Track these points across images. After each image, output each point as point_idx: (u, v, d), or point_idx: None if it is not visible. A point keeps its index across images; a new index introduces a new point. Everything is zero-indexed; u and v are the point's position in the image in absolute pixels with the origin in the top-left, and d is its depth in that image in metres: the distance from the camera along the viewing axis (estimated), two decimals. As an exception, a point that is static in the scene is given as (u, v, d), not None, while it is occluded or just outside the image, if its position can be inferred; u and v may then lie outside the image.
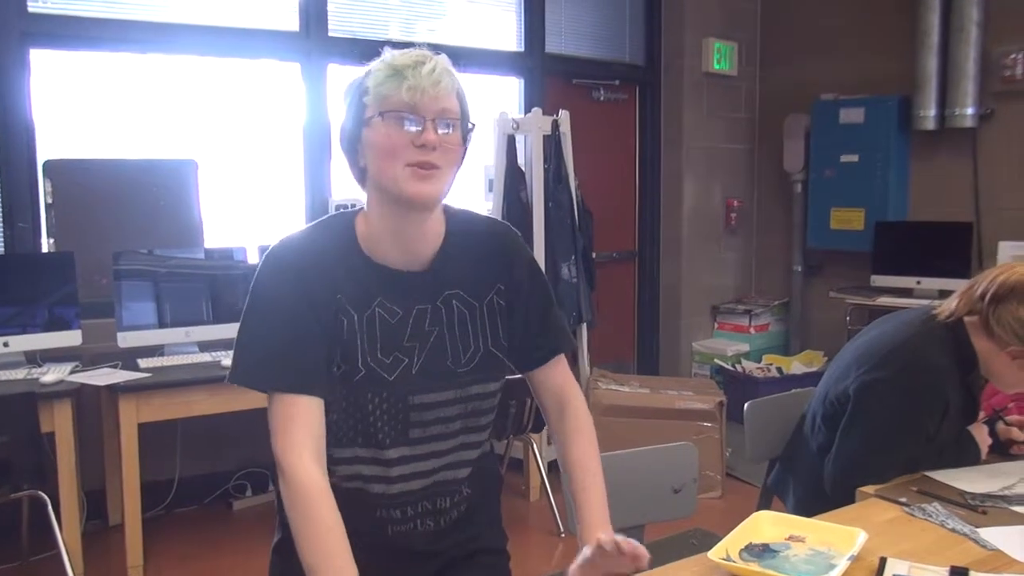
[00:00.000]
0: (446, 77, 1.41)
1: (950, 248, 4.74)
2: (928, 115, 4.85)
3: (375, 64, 1.43)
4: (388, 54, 1.43)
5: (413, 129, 1.39)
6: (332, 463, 1.48)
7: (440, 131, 1.40)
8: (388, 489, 1.52)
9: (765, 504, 2.46)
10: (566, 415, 1.71)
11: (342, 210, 1.58)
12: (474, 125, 1.50)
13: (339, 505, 1.41)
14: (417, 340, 1.50)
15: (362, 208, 1.53)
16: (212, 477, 4.10)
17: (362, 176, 1.49)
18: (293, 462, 1.40)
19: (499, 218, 4.11)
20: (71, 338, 3.50)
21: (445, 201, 1.53)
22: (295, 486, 1.39)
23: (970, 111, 4.73)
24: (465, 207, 1.64)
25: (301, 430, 1.41)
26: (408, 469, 1.52)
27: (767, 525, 1.66)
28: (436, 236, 1.53)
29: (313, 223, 1.54)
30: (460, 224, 1.57)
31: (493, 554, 1.72)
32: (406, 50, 1.43)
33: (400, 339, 1.49)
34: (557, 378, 1.69)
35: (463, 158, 1.49)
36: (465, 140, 1.48)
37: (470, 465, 1.61)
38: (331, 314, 1.45)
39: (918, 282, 4.78)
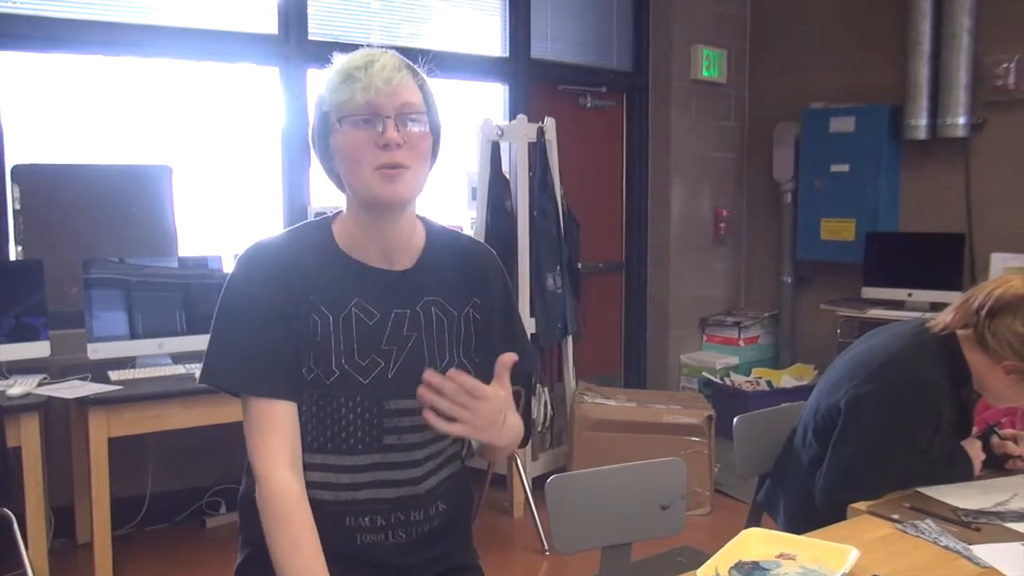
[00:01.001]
0: (399, 72, 1.41)
1: (942, 259, 4.70)
2: (919, 124, 4.82)
3: (326, 71, 1.45)
4: (337, 59, 1.45)
5: (374, 130, 1.40)
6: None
7: (403, 127, 1.41)
8: (356, 495, 1.50)
9: (755, 521, 2.42)
10: None
11: (320, 217, 1.61)
12: (438, 125, 1.49)
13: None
14: (395, 344, 1.50)
15: (340, 212, 1.55)
16: (185, 493, 4.01)
17: (339, 181, 1.50)
18: (268, 469, 1.42)
19: (484, 226, 4.07)
20: (39, 349, 3.42)
21: (425, 215, 1.59)
22: (270, 494, 1.41)
23: (962, 120, 4.71)
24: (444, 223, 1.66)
25: (276, 436, 1.43)
26: (381, 476, 1.51)
27: (757, 542, 1.64)
28: (414, 237, 1.56)
29: (290, 228, 1.57)
30: (440, 236, 1.61)
31: (468, 571, 1.70)
32: (355, 52, 1.45)
33: (378, 342, 1.49)
34: None
35: (435, 152, 1.50)
36: (435, 133, 1.47)
37: (444, 478, 1.60)
38: (303, 316, 1.46)
39: (909, 294, 4.73)
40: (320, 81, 1.47)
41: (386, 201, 1.42)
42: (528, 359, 1.70)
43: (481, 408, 1.40)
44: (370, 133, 1.40)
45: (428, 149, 1.46)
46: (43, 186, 3.64)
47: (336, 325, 1.47)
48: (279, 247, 1.51)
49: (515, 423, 1.53)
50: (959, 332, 2.02)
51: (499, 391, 1.43)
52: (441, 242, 1.60)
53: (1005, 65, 4.59)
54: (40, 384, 3.27)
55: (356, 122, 1.40)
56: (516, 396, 1.62)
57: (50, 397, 3.15)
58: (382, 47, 1.46)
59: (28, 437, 3.08)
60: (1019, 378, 1.96)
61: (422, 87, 1.46)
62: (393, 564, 1.54)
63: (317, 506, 1.47)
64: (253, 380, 1.44)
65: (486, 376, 1.55)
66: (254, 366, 1.44)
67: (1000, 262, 4.38)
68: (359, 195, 1.45)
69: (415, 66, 1.49)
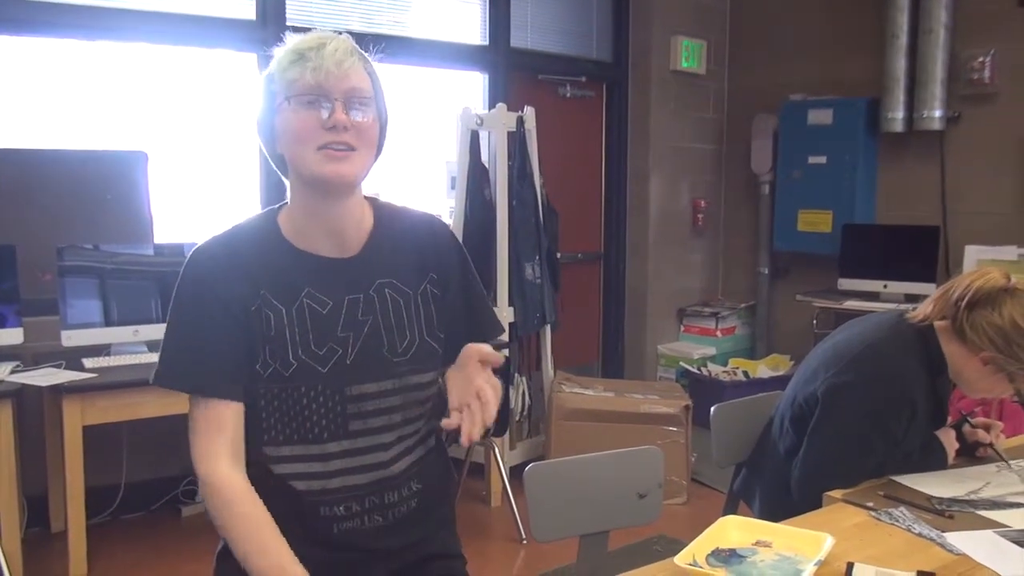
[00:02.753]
0: (350, 57, 1.41)
1: (917, 252, 4.74)
2: (896, 117, 4.85)
3: (278, 50, 1.44)
4: (290, 39, 1.46)
5: (322, 111, 1.39)
6: (270, 463, 1.49)
7: (352, 111, 1.41)
8: (327, 484, 1.50)
9: (731, 509, 2.43)
10: None
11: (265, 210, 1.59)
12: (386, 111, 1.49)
13: (281, 505, 1.44)
14: (351, 330, 1.50)
15: (285, 203, 1.54)
16: (160, 482, 3.97)
17: (282, 163, 1.49)
18: (211, 468, 1.43)
19: (462, 215, 4.06)
20: (12, 336, 3.37)
21: (375, 195, 1.58)
22: (215, 491, 1.43)
23: (938, 114, 4.74)
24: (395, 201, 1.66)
25: (217, 435, 1.44)
26: (351, 463, 1.51)
27: (734, 530, 1.65)
28: (362, 221, 1.54)
29: (238, 222, 1.55)
30: (388, 215, 1.59)
31: (449, 559, 1.70)
32: (308, 33, 1.44)
33: (333, 329, 1.49)
34: None
35: (382, 141, 1.50)
36: (381, 121, 1.48)
37: (417, 459, 1.60)
38: (253, 312, 1.45)
39: (885, 286, 4.77)
40: (271, 60, 1.45)
41: (330, 180, 1.41)
42: (492, 325, 1.71)
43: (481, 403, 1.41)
44: (317, 114, 1.39)
45: (374, 136, 1.46)
46: (16, 171, 3.58)
47: (290, 317, 1.47)
48: (225, 245, 1.50)
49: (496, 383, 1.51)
50: (936, 323, 2.04)
51: (475, 378, 1.44)
52: (391, 222, 1.58)
53: (980, 59, 4.63)
54: (13, 372, 3.22)
55: (303, 102, 1.39)
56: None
57: (23, 385, 3.11)
58: (336, 31, 1.46)
59: (1, 425, 3.04)
60: (995, 369, 1.98)
61: (371, 75, 1.46)
62: (374, 548, 1.54)
63: (293, 497, 1.48)
64: (202, 381, 1.44)
65: (452, 350, 1.58)
66: (203, 367, 1.44)
67: (974, 255, 4.42)
68: (303, 176, 1.43)
69: (366, 54, 1.48)
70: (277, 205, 1.55)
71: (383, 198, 1.63)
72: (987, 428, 2.21)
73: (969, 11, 4.67)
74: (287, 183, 1.50)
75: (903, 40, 4.79)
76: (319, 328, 1.48)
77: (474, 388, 1.42)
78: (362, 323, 1.50)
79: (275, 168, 1.52)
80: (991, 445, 2.17)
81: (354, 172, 1.43)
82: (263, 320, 1.46)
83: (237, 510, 1.42)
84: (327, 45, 1.40)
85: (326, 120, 1.39)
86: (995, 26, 4.61)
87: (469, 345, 1.52)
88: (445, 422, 1.41)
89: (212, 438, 1.44)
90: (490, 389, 1.42)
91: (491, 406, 1.40)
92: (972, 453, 2.19)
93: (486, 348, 1.48)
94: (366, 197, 1.57)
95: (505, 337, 3.87)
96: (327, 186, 1.43)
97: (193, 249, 1.50)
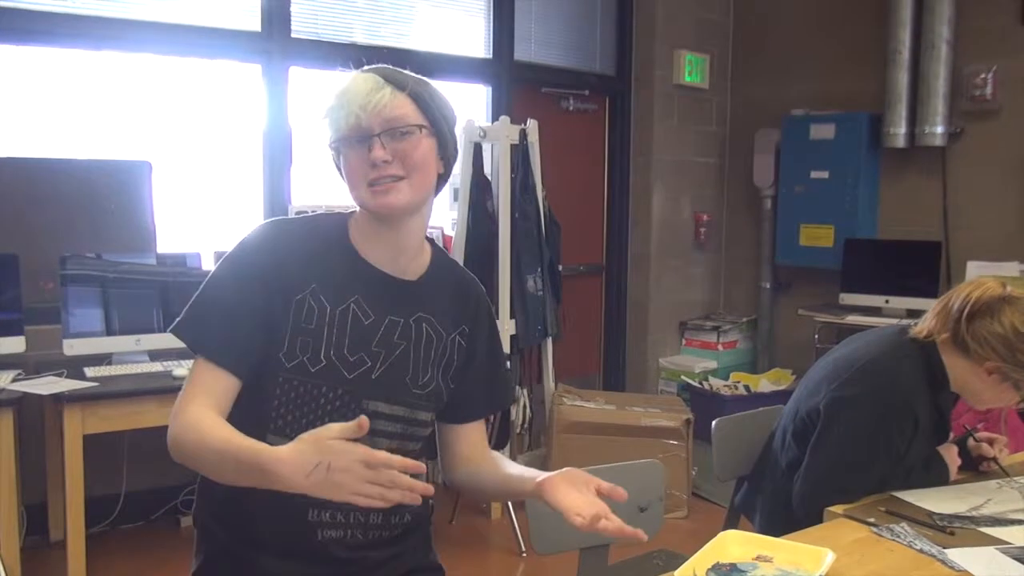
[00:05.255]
0: (376, 92, 1.43)
1: (919, 267, 4.74)
2: (898, 133, 4.86)
3: (325, 93, 1.49)
4: (327, 86, 1.49)
5: (365, 149, 1.44)
6: None
7: (392, 143, 1.44)
8: None
9: (732, 524, 2.43)
10: (487, 456, 1.74)
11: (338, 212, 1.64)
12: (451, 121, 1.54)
13: (270, 505, 1.41)
14: (384, 348, 1.53)
15: (357, 210, 1.58)
16: (160, 492, 3.96)
17: None
18: (190, 409, 1.41)
19: (465, 227, 4.07)
20: (14, 344, 3.37)
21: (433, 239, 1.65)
22: (184, 421, 1.40)
23: (940, 130, 4.74)
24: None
25: (208, 396, 1.43)
26: None
27: (734, 544, 1.64)
28: (421, 249, 1.60)
29: (313, 214, 1.62)
30: (442, 260, 1.66)
31: (429, 571, 1.72)
32: (351, 72, 1.49)
33: (369, 342, 1.52)
34: (479, 433, 1.75)
35: (445, 155, 1.53)
36: (438, 135, 1.50)
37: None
38: (297, 301, 1.48)
39: (887, 301, 4.77)
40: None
41: (378, 212, 1.47)
42: (506, 393, 1.82)
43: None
44: (362, 153, 1.44)
45: (425, 155, 1.48)
46: (20, 180, 3.60)
47: (332, 316, 1.49)
48: (296, 227, 1.55)
49: None
50: (939, 338, 2.03)
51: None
52: (442, 266, 1.65)
53: (983, 75, 4.63)
54: (14, 380, 3.22)
55: (349, 143, 1.45)
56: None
57: (24, 393, 3.11)
58: (366, 67, 1.50)
59: (1, 433, 3.03)
60: (1001, 378, 1.97)
61: (417, 97, 1.48)
62: (350, 558, 1.55)
63: (282, 498, 1.44)
64: (212, 344, 1.45)
65: (455, 401, 1.64)
66: (219, 331, 1.45)
67: (975, 270, 4.42)
68: (360, 207, 1.51)
69: (403, 73, 1.50)
70: (349, 210, 1.60)
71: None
72: (991, 443, 2.20)
73: (971, 27, 4.68)
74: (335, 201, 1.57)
75: (905, 55, 4.80)
76: (357, 336, 1.51)
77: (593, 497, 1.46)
78: (396, 345, 1.55)
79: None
80: (995, 459, 2.17)
81: (400, 201, 1.46)
82: (305, 312, 1.48)
83: (207, 425, 1.38)
84: (352, 88, 1.44)
85: (368, 158, 1.44)
86: (997, 42, 4.62)
87: (588, 478, 1.52)
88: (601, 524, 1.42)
89: (199, 391, 1.43)
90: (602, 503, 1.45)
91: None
92: (976, 467, 2.18)
93: (607, 486, 1.49)
94: (426, 238, 1.62)
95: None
96: (380, 216, 1.49)
97: (267, 221, 1.56)
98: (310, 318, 1.48)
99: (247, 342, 1.46)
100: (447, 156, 1.54)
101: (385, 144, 1.43)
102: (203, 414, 1.40)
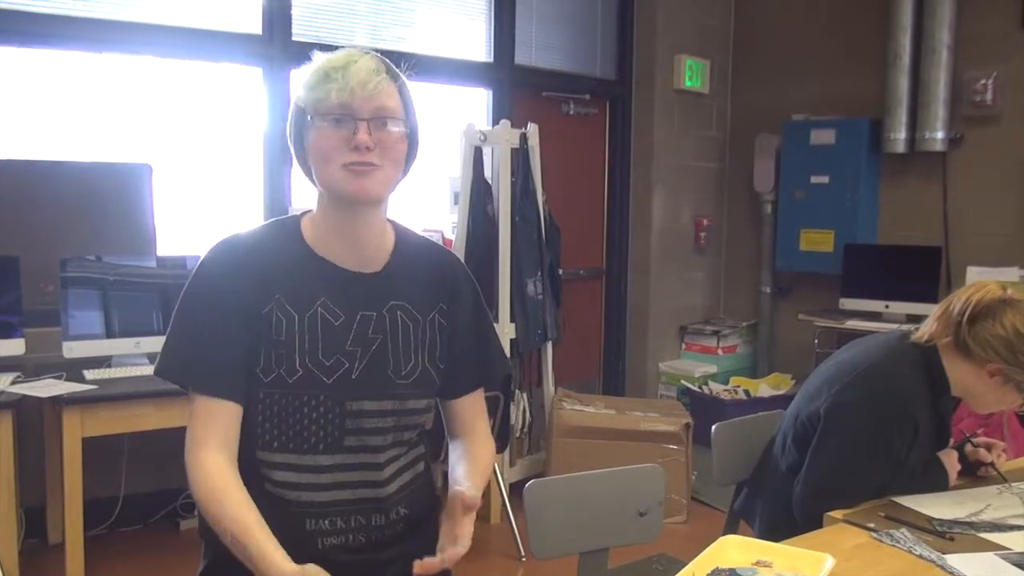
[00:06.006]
0: (377, 75, 1.42)
1: (919, 272, 4.74)
2: (898, 138, 4.86)
3: (307, 67, 1.46)
4: (317, 57, 1.46)
5: (348, 130, 1.41)
6: (261, 467, 1.49)
7: (376, 131, 1.42)
8: (317, 496, 1.50)
9: (732, 529, 2.42)
10: (472, 439, 1.70)
11: (290, 215, 1.60)
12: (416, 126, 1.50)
13: (269, 516, 1.41)
14: (360, 345, 1.50)
15: (310, 210, 1.56)
16: (159, 495, 3.96)
17: (311, 173, 1.50)
18: (203, 456, 1.42)
19: (465, 231, 4.06)
20: (13, 347, 3.37)
21: (394, 218, 1.59)
22: (204, 475, 1.41)
23: (940, 135, 4.74)
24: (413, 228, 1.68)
25: (215, 432, 1.44)
26: (342, 477, 1.51)
27: (734, 550, 1.64)
28: (384, 239, 1.57)
29: (262, 223, 1.57)
30: (409, 241, 1.62)
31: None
32: (336, 51, 1.45)
33: (343, 343, 1.49)
34: (471, 408, 1.71)
35: (410, 157, 1.51)
36: (411, 137, 1.49)
37: (407, 482, 1.60)
38: (264, 315, 1.46)
39: (887, 306, 4.77)
40: (299, 77, 1.48)
41: (353, 196, 1.43)
42: (499, 363, 1.73)
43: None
44: (342, 133, 1.41)
45: (402, 153, 1.47)
46: (20, 182, 3.59)
47: (301, 324, 1.47)
48: (247, 242, 1.51)
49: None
50: (940, 343, 2.04)
51: (455, 526, 1.43)
52: (410, 247, 1.61)
53: (983, 81, 4.63)
54: (14, 382, 3.22)
55: (330, 121, 1.41)
56: (494, 401, 1.63)
57: (24, 395, 3.11)
58: (364, 49, 1.47)
59: (0, 436, 3.03)
60: (1003, 380, 1.98)
61: (401, 91, 1.47)
62: (354, 563, 1.53)
63: (280, 507, 1.47)
64: (199, 377, 1.45)
65: (448, 380, 1.61)
66: (205, 364, 1.44)
67: (975, 275, 4.41)
68: (328, 191, 1.46)
69: (396, 69, 1.49)
70: (300, 212, 1.57)
71: (400, 221, 1.65)
72: (988, 448, 2.21)
73: (972, 32, 4.68)
74: (317, 191, 1.52)
75: (906, 61, 4.80)
76: (329, 339, 1.48)
77: (454, 534, 1.42)
78: (371, 340, 1.52)
79: (305, 176, 1.53)
80: (992, 464, 2.18)
81: (376, 188, 1.44)
82: (273, 324, 1.46)
83: (221, 488, 1.40)
84: (353, 64, 1.41)
85: (350, 140, 1.40)
86: (998, 47, 4.63)
87: (452, 489, 1.51)
88: (422, 564, 1.38)
89: (208, 431, 1.43)
90: (467, 537, 1.42)
91: (461, 551, 1.41)
92: (974, 473, 2.19)
93: (468, 494, 1.44)
94: (388, 220, 1.59)
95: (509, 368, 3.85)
96: (351, 200, 1.45)
97: (214, 244, 1.51)
98: (279, 330, 1.46)
99: (233, 366, 1.45)
100: (409, 160, 1.52)
101: (371, 131, 1.41)
102: (218, 473, 1.41)
